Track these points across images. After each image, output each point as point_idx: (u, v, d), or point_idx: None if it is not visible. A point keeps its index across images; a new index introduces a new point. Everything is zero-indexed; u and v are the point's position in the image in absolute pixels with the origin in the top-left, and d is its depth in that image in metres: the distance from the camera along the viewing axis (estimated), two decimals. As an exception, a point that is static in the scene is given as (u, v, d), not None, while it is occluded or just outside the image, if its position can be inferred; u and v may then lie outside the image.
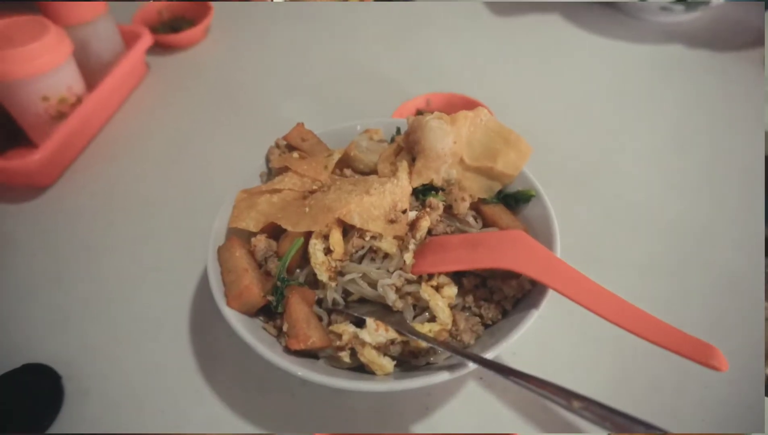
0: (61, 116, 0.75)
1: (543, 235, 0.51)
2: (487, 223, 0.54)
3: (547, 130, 0.76)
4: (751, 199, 0.66)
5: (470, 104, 0.74)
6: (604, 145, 0.74)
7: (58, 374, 0.55)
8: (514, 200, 0.56)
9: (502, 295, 0.48)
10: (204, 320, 0.59)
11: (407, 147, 0.55)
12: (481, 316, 0.48)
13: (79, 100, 0.77)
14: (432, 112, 0.55)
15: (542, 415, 0.49)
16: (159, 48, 0.94)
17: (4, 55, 0.68)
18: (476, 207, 0.55)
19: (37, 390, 0.54)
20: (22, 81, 0.70)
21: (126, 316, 0.60)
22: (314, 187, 0.54)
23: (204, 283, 0.62)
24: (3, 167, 0.70)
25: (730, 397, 0.49)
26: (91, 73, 0.81)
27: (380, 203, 0.50)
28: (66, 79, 0.75)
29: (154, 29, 0.96)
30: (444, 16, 1.01)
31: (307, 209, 0.51)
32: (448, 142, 0.53)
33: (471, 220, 0.54)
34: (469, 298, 0.49)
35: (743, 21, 0.92)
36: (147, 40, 0.87)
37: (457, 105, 0.74)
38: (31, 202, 0.74)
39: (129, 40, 0.87)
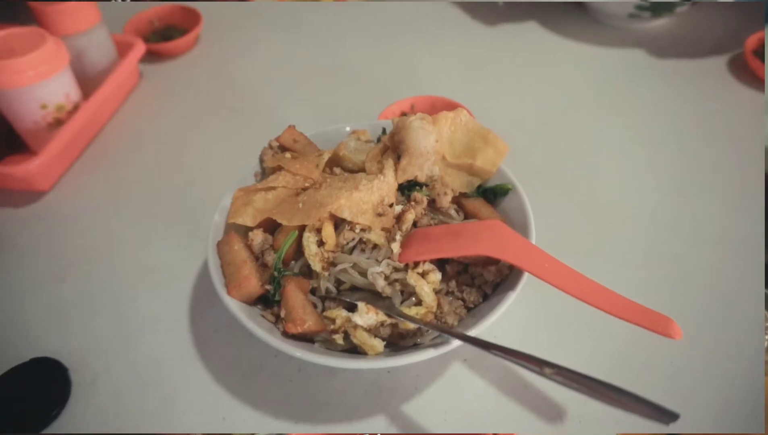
0: (58, 123, 0.78)
1: (519, 224, 0.55)
2: (468, 216, 0.59)
3: (525, 130, 0.80)
4: (716, 194, 0.71)
5: (452, 107, 0.77)
6: (578, 145, 0.79)
7: (65, 366, 0.58)
8: (493, 194, 0.60)
9: (483, 280, 0.52)
10: (201, 313, 0.62)
11: (392, 146, 0.59)
12: (463, 299, 0.52)
13: (76, 108, 0.80)
14: (415, 114, 0.59)
15: (522, 392, 0.53)
16: (151, 56, 0.97)
17: (5, 64, 0.70)
18: (458, 201, 0.59)
19: (46, 382, 0.57)
20: (22, 89, 0.73)
21: (127, 311, 0.63)
22: (306, 185, 0.58)
23: (200, 279, 0.65)
24: (3, 173, 0.73)
25: (690, 370, 0.54)
26: (87, 81, 0.84)
27: (369, 198, 0.54)
28: (64, 87, 0.77)
29: (146, 38, 0.99)
30: (427, 23, 1.05)
31: (300, 205, 0.54)
32: (431, 141, 0.57)
33: (453, 212, 0.58)
34: (452, 284, 0.52)
35: (705, 28, 0.98)
36: (140, 48, 0.90)
37: (439, 108, 0.78)
38: (30, 206, 0.76)
39: (122, 49, 0.90)
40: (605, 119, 0.83)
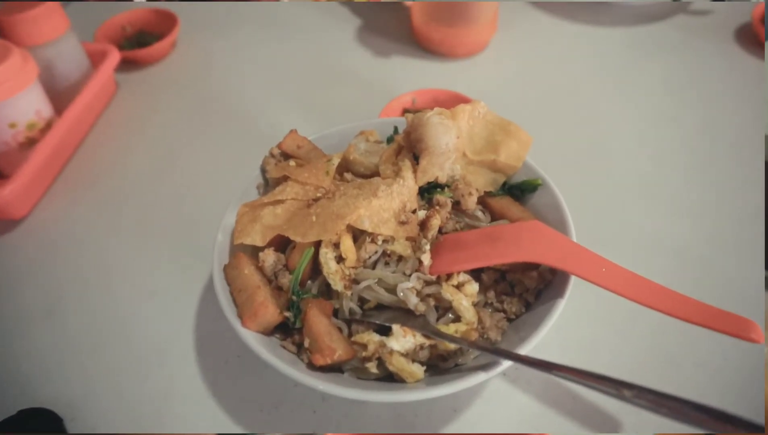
0: (30, 143, 0.71)
1: (555, 222, 0.50)
2: (495, 217, 0.54)
3: (536, 119, 0.75)
4: (739, 167, 0.68)
5: (457, 99, 0.73)
6: (593, 129, 0.75)
7: (59, 417, 0.52)
8: (520, 191, 0.55)
9: (524, 288, 0.47)
10: (210, 342, 0.56)
11: (408, 145, 0.54)
12: (504, 310, 0.47)
13: (48, 125, 0.73)
14: (418, 110, 0.54)
15: (571, 405, 0.49)
16: (126, 64, 0.90)
17: (-34, 82, 0.64)
18: (483, 201, 0.54)
19: (38, 436, 0.51)
20: (-12, 108, 0.66)
21: (127, 346, 0.57)
22: (318, 195, 0.52)
23: (205, 305, 0.59)
24: (-28, 202, 0.66)
25: (748, 366, 0.50)
26: (59, 95, 0.77)
27: (389, 205, 0.49)
28: (34, 103, 0.70)
29: (120, 45, 0.92)
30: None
31: (314, 218, 0.49)
32: (452, 137, 0.52)
33: (479, 214, 0.53)
34: (491, 294, 0.47)
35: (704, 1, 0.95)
36: (114, 56, 0.83)
37: (442, 101, 0.73)
38: (5, 235, 0.69)
39: (95, 58, 0.83)
40: (618, 99, 0.79)
